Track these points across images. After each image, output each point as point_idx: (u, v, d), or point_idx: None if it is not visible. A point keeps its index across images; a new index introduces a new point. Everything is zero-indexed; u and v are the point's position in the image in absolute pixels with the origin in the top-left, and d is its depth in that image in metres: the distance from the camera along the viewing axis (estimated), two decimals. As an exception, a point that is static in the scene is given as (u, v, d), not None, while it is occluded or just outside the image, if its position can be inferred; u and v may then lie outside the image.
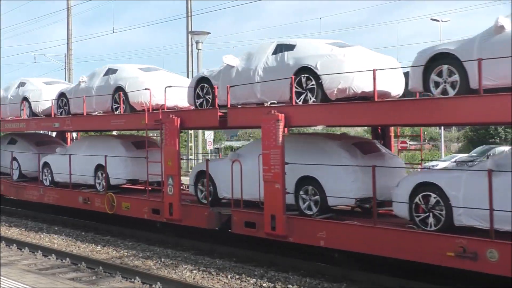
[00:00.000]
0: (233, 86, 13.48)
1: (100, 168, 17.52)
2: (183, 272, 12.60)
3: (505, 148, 36.90)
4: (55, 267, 13.33)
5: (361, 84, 11.63)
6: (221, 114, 13.68)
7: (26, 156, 21.43)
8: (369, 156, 12.25)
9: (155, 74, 17.11)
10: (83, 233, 17.65)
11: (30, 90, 21.34)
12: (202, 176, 14.62)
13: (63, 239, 16.84)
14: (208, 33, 28.92)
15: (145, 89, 16.04)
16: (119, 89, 17.00)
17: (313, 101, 11.93)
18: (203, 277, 12.20)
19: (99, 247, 15.53)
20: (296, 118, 12.10)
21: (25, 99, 21.32)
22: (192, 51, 32.73)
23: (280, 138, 12.05)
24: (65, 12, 43.03)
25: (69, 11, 43.19)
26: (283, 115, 12.05)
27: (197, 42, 28.67)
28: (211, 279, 12.09)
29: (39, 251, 14.80)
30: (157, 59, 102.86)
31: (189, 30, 31.54)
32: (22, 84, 22.07)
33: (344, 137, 13.42)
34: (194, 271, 12.63)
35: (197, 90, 14.75)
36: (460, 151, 52.57)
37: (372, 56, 12.24)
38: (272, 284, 11.55)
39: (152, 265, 13.37)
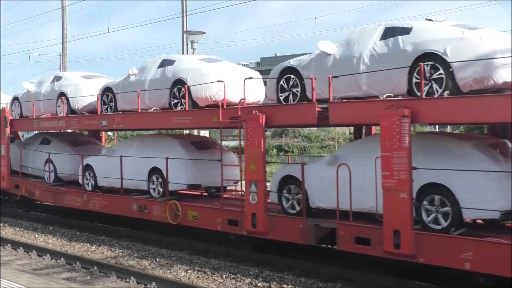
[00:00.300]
0: (336, 76, 11.45)
1: (155, 171, 15.44)
2: (178, 272, 12.51)
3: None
4: (49, 267, 13.26)
5: (504, 73, 9.66)
6: (320, 109, 11.70)
7: (63, 158, 19.52)
8: None
9: (220, 65, 15.14)
10: (78, 233, 17.55)
11: (67, 85, 19.28)
12: (288, 181, 12.61)
13: (57, 239, 16.75)
14: (204, 33, 28.30)
15: (218, 81, 13.96)
16: (178, 82, 14.93)
17: (447, 93, 9.97)
18: (198, 277, 12.08)
19: (94, 247, 15.43)
20: (426, 114, 10.09)
21: (63, 94, 19.12)
22: (187, 51, 31.93)
23: (407, 138, 10.05)
24: (59, 12, 42.35)
25: (64, 10, 42.88)
26: (409, 110, 10.04)
27: (192, 42, 27.86)
28: (206, 279, 11.98)
29: (34, 251, 14.66)
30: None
31: (184, 29, 30.70)
32: (57, 78, 20.11)
33: (476, 137, 11.50)
34: (189, 271, 12.53)
35: (281, 83, 12.75)
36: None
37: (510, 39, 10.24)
38: (267, 284, 11.40)
39: (147, 265, 13.28)
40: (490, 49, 9.77)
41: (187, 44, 30.57)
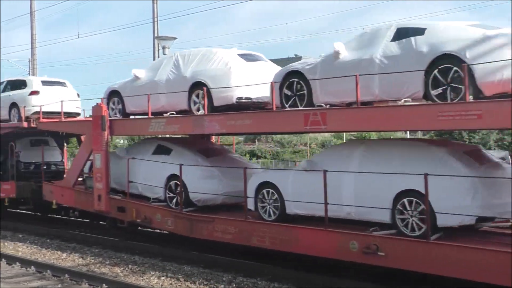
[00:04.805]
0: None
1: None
2: (151, 279, 12.40)
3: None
4: (19, 275, 13.00)
5: None
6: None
7: (196, 174, 14.06)
8: None
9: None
10: (48, 240, 17.40)
11: (207, 69, 13.93)
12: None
13: (27, 247, 16.57)
14: (175, 38, 28.31)
15: None
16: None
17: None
18: (171, 284, 11.94)
19: (65, 255, 15.26)
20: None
21: (198, 85, 13.87)
22: (159, 56, 31.95)
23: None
24: (28, 17, 41.75)
25: (33, 15, 42.00)
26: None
27: (163, 47, 27.78)
28: (179, 285, 11.82)
29: (3, 259, 14.48)
30: (124, 64, 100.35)
31: (156, 35, 30.76)
32: (184, 57, 14.59)
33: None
34: (162, 278, 12.39)
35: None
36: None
37: None
38: (241, 290, 11.30)
39: (119, 272, 13.10)
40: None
41: (158, 50, 30.62)
